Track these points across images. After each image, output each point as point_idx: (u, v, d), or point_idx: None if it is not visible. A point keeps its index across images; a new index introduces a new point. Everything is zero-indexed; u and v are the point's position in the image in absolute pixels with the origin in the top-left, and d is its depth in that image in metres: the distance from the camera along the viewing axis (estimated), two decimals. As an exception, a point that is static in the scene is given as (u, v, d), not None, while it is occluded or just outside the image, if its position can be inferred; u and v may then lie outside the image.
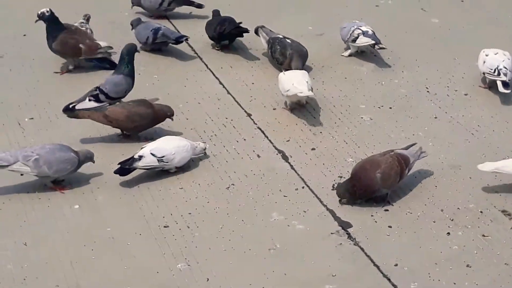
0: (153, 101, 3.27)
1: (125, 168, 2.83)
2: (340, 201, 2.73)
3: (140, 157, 2.85)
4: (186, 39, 3.94)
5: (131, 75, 3.37)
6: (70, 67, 3.73)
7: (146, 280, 2.42)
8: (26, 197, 2.79)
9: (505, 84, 3.41)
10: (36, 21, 3.67)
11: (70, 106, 3.24)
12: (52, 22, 3.64)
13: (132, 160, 2.84)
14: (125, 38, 3.81)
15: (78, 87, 3.51)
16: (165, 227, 2.64)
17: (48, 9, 3.63)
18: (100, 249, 2.55)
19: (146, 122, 3.16)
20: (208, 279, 2.38)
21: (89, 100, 3.24)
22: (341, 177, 2.85)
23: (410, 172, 2.85)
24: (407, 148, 2.92)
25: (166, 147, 2.91)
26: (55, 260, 2.47)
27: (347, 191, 2.69)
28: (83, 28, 3.83)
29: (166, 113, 3.19)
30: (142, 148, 2.90)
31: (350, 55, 3.89)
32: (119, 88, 3.32)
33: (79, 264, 2.46)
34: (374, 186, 2.67)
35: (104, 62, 3.75)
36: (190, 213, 2.71)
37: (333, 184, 2.83)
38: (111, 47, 3.71)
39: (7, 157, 2.74)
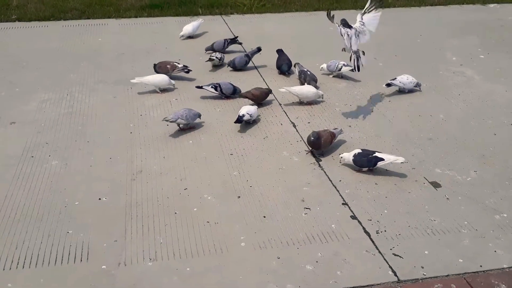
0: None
1: (238, 120, 5.37)
2: (311, 140, 4.91)
3: (243, 115, 5.39)
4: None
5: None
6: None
7: (218, 178, 4.63)
8: (176, 133, 5.45)
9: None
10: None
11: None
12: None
13: (241, 116, 5.39)
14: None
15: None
16: (230, 154, 5.07)
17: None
18: (199, 162, 4.87)
19: (263, 97, 5.90)
20: (247, 180, 4.69)
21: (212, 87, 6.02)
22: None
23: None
24: (335, 128, 5.10)
25: (251, 108, 5.47)
26: (179, 165, 4.78)
27: (315, 137, 4.91)
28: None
29: (268, 92, 5.94)
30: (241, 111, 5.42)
31: (333, 76, 6.50)
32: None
33: (188, 168, 4.77)
34: (319, 145, 4.93)
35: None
36: (244, 149, 5.16)
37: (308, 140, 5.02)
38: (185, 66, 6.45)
39: (173, 117, 5.29)
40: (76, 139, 5.22)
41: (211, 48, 7.18)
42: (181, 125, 5.39)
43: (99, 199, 4.38)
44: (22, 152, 4.99)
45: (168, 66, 6.47)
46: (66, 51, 7.38)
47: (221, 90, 5.93)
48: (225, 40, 7.21)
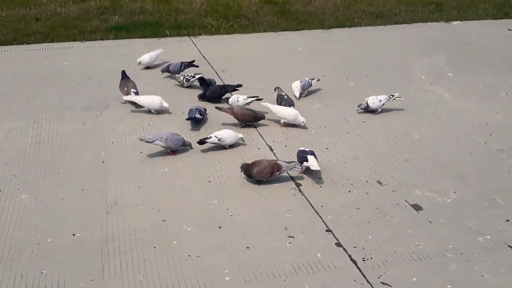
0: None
1: (202, 141, 5.25)
2: (241, 171, 4.82)
3: (210, 137, 5.26)
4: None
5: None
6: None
7: (197, 207, 4.50)
8: (150, 160, 5.27)
9: None
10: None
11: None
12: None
13: (205, 138, 5.26)
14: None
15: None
16: (208, 181, 4.90)
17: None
18: (176, 191, 4.72)
19: (250, 119, 5.79)
20: (227, 209, 4.52)
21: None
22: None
23: (282, 173, 4.84)
24: (289, 162, 4.89)
25: (223, 133, 5.33)
26: (154, 196, 4.61)
27: (244, 169, 4.82)
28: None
29: (261, 117, 5.83)
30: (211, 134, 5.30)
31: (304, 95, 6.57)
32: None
33: (164, 198, 4.60)
34: (251, 174, 4.80)
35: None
36: (222, 175, 5.02)
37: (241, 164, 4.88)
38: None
39: (152, 137, 5.18)
40: (45, 171, 5.00)
41: (167, 70, 7.03)
42: (167, 149, 5.26)
43: (73, 234, 4.19)
44: (-11, 186, 4.75)
45: (125, 88, 6.32)
46: (31, 76, 7.13)
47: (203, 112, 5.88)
48: (181, 63, 7.07)
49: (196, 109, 5.84)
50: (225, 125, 5.87)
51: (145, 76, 7.10)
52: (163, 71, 7.07)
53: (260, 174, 4.81)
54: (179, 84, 6.80)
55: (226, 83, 6.77)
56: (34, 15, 9.26)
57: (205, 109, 5.94)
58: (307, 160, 4.93)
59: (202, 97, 6.41)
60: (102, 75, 7.20)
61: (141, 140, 5.22)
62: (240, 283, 3.75)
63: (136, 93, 6.23)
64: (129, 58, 7.71)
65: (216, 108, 5.93)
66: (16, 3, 9.76)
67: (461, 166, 5.24)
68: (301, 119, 5.81)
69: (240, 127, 5.81)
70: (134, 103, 6.18)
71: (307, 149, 5.10)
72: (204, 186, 4.84)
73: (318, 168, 4.91)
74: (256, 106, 6.15)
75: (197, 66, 7.17)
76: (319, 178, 4.96)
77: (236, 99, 6.09)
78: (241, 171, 4.90)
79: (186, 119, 5.81)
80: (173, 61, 7.16)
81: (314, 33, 9.24)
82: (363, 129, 5.93)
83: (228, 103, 6.14)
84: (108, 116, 6.06)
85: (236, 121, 5.88)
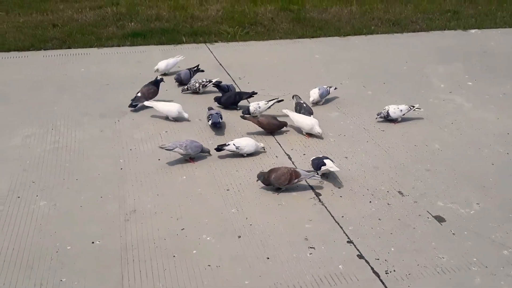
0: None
1: (219, 148, 5.23)
2: (257, 180, 4.79)
3: (228, 144, 5.24)
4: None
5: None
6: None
7: (216, 216, 4.49)
8: (168, 168, 5.23)
9: None
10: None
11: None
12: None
13: (223, 145, 5.24)
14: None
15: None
16: (227, 190, 4.86)
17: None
18: (195, 199, 4.67)
19: (275, 127, 5.75)
20: (247, 218, 4.51)
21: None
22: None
23: (301, 181, 4.77)
24: (308, 171, 4.83)
25: (242, 142, 5.29)
26: (172, 204, 4.57)
27: (262, 177, 4.79)
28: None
29: (284, 124, 5.77)
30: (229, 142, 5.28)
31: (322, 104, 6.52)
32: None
33: (183, 206, 4.57)
34: (270, 180, 4.75)
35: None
36: (240, 183, 4.99)
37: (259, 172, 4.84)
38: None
39: (172, 145, 5.15)
40: (64, 177, 4.98)
41: (180, 79, 7.00)
42: (184, 156, 5.23)
43: (92, 242, 4.16)
44: (8, 192, 4.74)
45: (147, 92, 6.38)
46: (48, 82, 7.14)
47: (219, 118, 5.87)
48: (188, 69, 7.06)
49: (217, 113, 5.82)
50: (249, 133, 5.83)
51: (162, 83, 7.06)
52: (177, 80, 7.06)
53: (278, 180, 4.76)
54: (195, 90, 6.76)
55: (242, 90, 6.72)
56: (51, 21, 9.29)
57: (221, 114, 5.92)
58: (324, 164, 4.88)
59: (217, 101, 6.36)
60: (119, 81, 7.20)
61: (161, 148, 5.19)
62: (261, 294, 3.69)
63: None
64: (146, 65, 7.70)
65: (242, 117, 5.89)
66: (33, 9, 9.82)
67: (483, 177, 5.15)
68: (317, 129, 5.70)
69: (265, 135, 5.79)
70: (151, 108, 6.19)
71: (320, 156, 5.06)
72: (222, 194, 4.79)
73: (337, 169, 4.88)
74: (274, 112, 6.09)
75: (202, 71, 7.13)
76: (339, 187, 4.90)
77: (258, 106, 6.05)
78: (257, 180, 4.85)
79: (211, 124, 5.79)
80: (183, 70, 7.14)
81: (331, 41, 9.20)
82: (383, 138, 5.86)
83: (248, 112, 6.07)
84: (125, 123, 6.05)
85: (258, 129, 5.82)
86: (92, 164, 5.21)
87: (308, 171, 4.89)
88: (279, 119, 5.92)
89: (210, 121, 5.79)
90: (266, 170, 4.97)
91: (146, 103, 6.17)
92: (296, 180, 4.81)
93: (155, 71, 7.32)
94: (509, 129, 6.11)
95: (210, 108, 6.01)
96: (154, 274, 3.85)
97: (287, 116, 5.95)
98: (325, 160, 4.92)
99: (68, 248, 4.09)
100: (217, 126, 5.81)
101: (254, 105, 6.08)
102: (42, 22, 9.22)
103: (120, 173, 5.08)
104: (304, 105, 6.15)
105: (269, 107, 6.10)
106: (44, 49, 8.31)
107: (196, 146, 5.21)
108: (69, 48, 8.39)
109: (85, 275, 3.83)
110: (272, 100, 6.12)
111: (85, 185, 4.87)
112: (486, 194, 4.88)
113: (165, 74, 7.36)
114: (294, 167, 5.05)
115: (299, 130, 5.88)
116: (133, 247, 4.11)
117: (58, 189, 4.80)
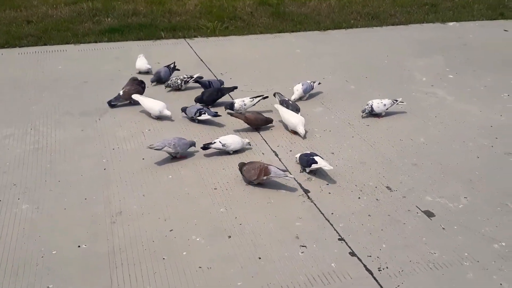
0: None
1: (205, 146, 5.15)
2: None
3: (214, 142, 5.16)
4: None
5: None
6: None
7: (205, 216, 4.42)
8: (154, 167, 5.10)
9: None
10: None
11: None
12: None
13: (209, 143, 5.15)
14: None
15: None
16: (214, 189, 4.77)
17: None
18: (182, 199, 4.58)
19: (262, 123, 5.69)
20: (236, 217, 4.41)
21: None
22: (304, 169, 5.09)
23: (271, 178, 4.66)
24: (283, 170, 4.72)
25: (228, 139, 5.21)
26: (159, 205, 4.47)
27: (240, 167, 4.82)
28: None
29: (270, 121, 5.75)
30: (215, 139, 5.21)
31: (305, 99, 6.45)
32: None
33: (170, 207, 4.47)
34: (241, 172, 4.78)
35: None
36: (227, 182, 4.90)
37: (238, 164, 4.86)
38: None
39: (160, 144, 5.02)
40: (46, 179, 4.84)
41: (159, 78, 6.82)
42: (173, 154, 5.13)
43: (79, 246, 4.05)
44: (-12, 195, 4.58)
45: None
46: (25, 81, 6.95)
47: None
48: (167, 67, 6.93)
49: (206, 107, 5.89)
50: (235, 130, 5.76)
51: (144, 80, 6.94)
52: (153, 81, 6.84)
53: (248, 174, 4.75)
54: (177, 87, 6.65)
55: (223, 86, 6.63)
56: (25, 17, 9.05)
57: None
58: (315, 162, 4.83)
59: (199, 101, 6.26)
60: (98, 78, 7.04)
61: (150, 148, 5.06)
62: (254, 295, 3.63)
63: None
64: (124, 61, 7.55)
65: (228, 113, 5.81)
66: (6, 5, 9.54)
67: (470, 170, 5.17)
68: (300, 130, 5.59)
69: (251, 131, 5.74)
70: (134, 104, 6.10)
71: (308, 152, 5.02)
72: (210, 193, 4.71)
73: (331, 167, 4.84)
74: (260, 109, 6.02)
75: (178, 69, 7.02)
76: (327, 184, 4.86)
77: (243, 103, 5.96)
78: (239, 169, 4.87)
79: (212, 116, 5.78)
80: (161, 68, 6.97)
81: (311, 35, 9.15)
82: (368, 132, 5.84)
83: (232, 108, 5.97)
84: (107, 121, 5.91)
85: (243, 126, 5.76)
86: (74, 165, 5.07)
87: (284, 170, 4.81)
88: (264, 115, 5.85)
89: (205, 115, 5.75)
90: (253, 167, 4.89)
91: (134, 96, 6.07)
92: (265, 177, 4.71)
93: (137, 73, 7.15)
94: (492, 122, 6.15)
95: (193, 106, 5.92)
96: (144, 278, 3.77)
97: (271, 112, 5.88)
98: (316, 158, 4.87)
99: (53, 252, 3.97)
100: (217, 115, 5.83)
101: (239, 102, 5.99)
102: (16, 19, 8.98)
103: (104, 173, 4.96)
104: (290, 101, 6.09)
105: (254, 104, 6.03)
106: (20, 46, 8.09)
107: (184, 144, 5.12)
108: (45, 45, 8.18)
109: (72, 280, 3.73)
110: (257, 97, 6.05)
111: (68, 187, 4.74)
112: (473, 188, 4.89)
113: (147, 73, 7.19)
114: (269, 164, 4.88)
115: (285, 126, 5.82)
116: (121, 250, 4.01)
117: (41, 192, 4.67)
